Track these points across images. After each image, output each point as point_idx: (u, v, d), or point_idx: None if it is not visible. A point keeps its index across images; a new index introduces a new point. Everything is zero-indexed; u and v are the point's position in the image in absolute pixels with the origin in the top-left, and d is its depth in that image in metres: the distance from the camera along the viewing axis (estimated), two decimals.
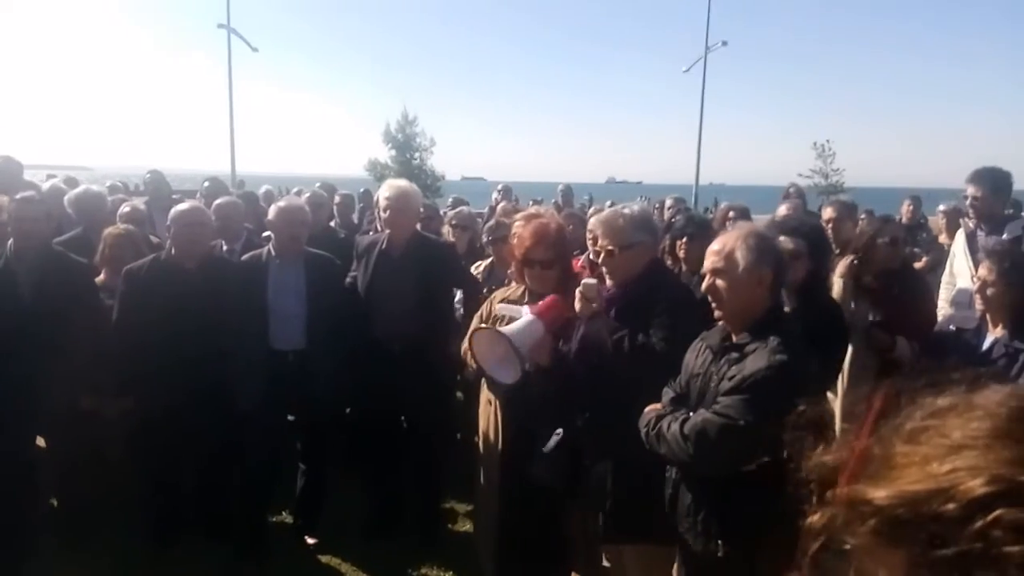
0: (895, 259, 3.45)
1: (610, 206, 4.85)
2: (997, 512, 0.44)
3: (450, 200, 9.16)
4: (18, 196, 3.82)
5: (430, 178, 27.02)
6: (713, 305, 2.36)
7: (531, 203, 8.97)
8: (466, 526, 4.17)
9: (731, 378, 2.19)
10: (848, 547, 0.53)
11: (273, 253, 3.85)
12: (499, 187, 9.84)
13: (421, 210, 4.32)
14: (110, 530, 3.89)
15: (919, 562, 0.47)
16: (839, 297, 3.60)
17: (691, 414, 2.28)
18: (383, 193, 3.95)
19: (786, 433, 0.70)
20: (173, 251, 3.80)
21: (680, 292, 2.91)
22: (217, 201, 4.91)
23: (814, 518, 0.56)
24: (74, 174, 10.60)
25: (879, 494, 0.50)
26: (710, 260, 2.34)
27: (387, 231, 3.94)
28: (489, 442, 3.33)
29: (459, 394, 4.56)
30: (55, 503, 4.04)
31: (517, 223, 3.50)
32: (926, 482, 0.49)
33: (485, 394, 3.38)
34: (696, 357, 2.42)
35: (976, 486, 0.46)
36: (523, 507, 3.11)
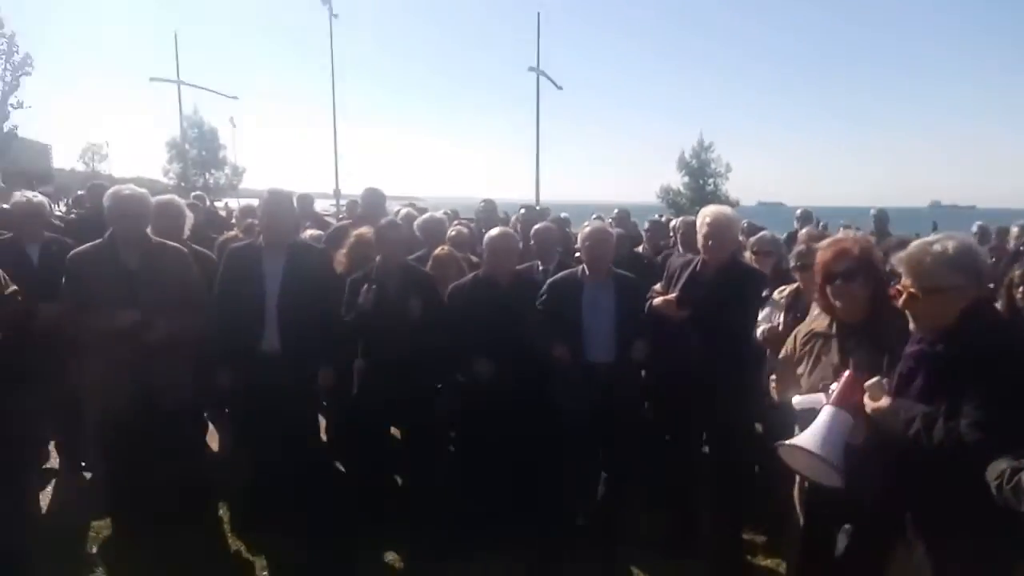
0: None
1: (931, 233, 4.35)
2: None
3: (744, 224, 8.89)
4: (384, 221, 4.65)
5: (724, 204, 26.39)
6: None
7: (840, 228, 8.36)
8: (766, 561, 4.05)
9: None
10: None
11: (587, 273, 4.23)
12: (798, 212, 9.38)
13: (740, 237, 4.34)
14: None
15: None
16: None
17: None
18: (703, 219, 4.03)
19: None
20: (487, 270, 4.36)
21: (1015, 346, 2.28)
22: (535, 227, 5.46)
23: None
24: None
25: None
26: None
27: (701, 255, 4.03)
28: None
29: (758, 426, 4.44)
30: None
31: (822, 245, 3.34)
32: None
33: None
34: None
35: None
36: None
